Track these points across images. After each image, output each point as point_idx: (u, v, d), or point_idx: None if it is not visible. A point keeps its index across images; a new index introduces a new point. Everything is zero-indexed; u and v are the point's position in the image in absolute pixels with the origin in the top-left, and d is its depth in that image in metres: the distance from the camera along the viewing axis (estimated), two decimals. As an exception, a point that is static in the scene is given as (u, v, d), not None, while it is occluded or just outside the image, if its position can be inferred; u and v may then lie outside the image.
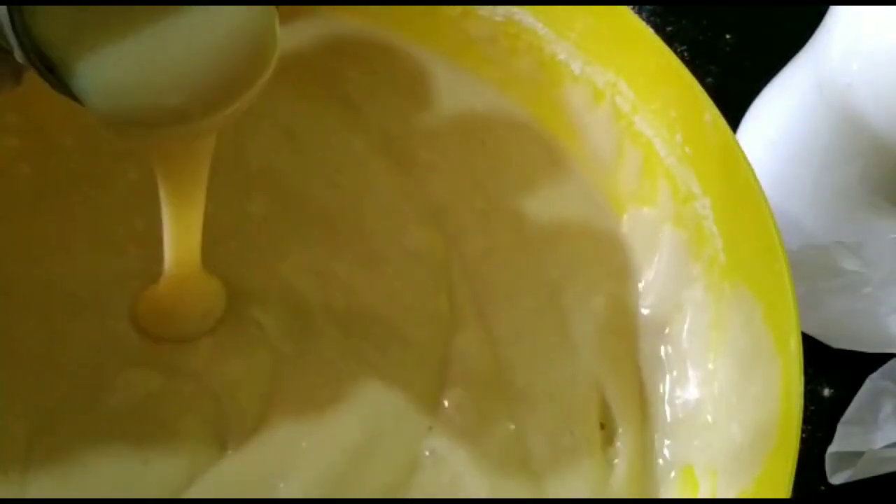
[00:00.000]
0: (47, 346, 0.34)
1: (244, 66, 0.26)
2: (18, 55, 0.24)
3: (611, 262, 0.38)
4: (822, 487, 0.42)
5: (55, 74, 0.25)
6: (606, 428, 0.35)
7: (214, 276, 0.35)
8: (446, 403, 0.35)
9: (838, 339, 0.43)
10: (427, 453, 0.34)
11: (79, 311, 0.35)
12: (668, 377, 0.36)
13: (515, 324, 0.37)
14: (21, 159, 0.37)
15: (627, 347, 0.37)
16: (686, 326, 0.36)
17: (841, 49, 0.37)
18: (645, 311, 0.37)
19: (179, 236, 0.32)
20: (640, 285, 0.37)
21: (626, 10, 0.36)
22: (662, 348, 0.36)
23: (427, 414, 0.35)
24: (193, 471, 0.33)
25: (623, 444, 0.35)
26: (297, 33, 0.38)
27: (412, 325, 0.36)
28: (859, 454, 0.40)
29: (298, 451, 0.34)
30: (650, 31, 0.36)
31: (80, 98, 0.25)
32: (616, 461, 0.35)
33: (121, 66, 0.25)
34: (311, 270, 0.37)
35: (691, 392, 0.35)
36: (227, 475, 0.33)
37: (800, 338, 0.31)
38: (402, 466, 0.34)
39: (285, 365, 0.35)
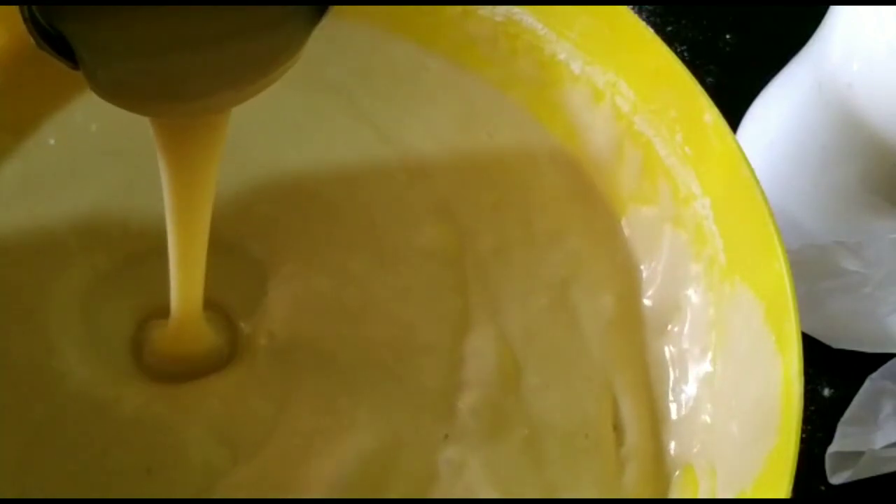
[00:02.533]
0: (37, 355, 0.33)
1: (268, 47, 0.26)
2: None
3: (613, 261, 0.37)
4: (822, 487, 0.42)
5: (60, 48, 0.24)
6: (618, 429, 0.35)
7: (216, 318, 0.35)
8: (461, 407, 0.34)
9: (838, 339, 0.43)
10: (443, 464, 0.33)
11: (71, 316, 0.34)
12: (670, 377, 0.36)
13: (528, 322, 0.36)
14: (12, 156, 0.36)
15: (635, 347, 0.36)
16: (686, 326, 0.36)
17: (841, 49, 0.37)
18: (646, 311, 0.37)
19: (184, 256, 0.31)
20: (641, 285, 0.37)
21: (626, 10, 0.36)
22: (665, 348, 0.36)
23: (442, 420, 0.34)
24: (201, 482, 0.32)
25: (634, 445, 0.35)
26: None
27: (429, 326, 0.35)
28: (859, 454, 0.40)
29: (311, 463, 0.33)
30: (650, 31, 0.36)
31: (87, 60, 0.24)
32: (627, 463, 0.34)
33: (135, 32, 0.24)
34: (326, 270, 0.36)
35: (691, 391, 0.35)
36: (237, 486, 0.32)
37: (800, 338, 0.31)
38: (419, 479, 0.33)
39: (303, 371, 0.34)
